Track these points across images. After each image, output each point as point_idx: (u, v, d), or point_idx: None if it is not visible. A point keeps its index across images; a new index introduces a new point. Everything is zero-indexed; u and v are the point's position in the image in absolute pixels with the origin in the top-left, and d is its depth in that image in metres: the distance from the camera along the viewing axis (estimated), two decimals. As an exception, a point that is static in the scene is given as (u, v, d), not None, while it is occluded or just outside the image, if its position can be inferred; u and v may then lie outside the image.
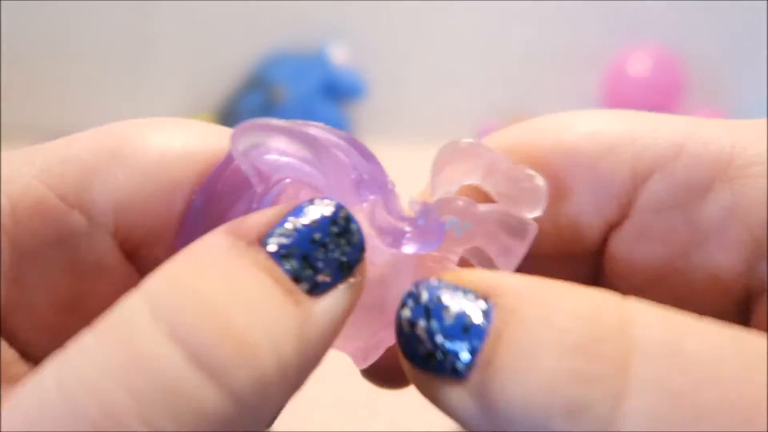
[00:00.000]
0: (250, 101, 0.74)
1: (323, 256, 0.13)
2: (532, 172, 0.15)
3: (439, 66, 0.79)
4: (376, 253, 0.15)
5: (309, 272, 0.12)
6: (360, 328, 0.15)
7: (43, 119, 0.71)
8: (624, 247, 0.16)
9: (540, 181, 0.15)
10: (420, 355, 0.12)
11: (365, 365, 0.16)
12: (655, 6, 0.75)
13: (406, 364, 0.13)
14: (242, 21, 0.78)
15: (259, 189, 0.15)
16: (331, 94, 0.75)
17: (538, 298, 0.12)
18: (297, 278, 0.12)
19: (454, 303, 0.12)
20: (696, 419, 0.10)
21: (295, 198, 0.15)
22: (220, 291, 0.11)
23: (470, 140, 0.16)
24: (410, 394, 0.25)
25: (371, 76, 0.77)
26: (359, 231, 0.13)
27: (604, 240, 0.16)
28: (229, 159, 0.15)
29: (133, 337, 0.11)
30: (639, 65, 0.74)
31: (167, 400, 0.10)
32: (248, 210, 0.14)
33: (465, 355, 0.12)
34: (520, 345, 0.11)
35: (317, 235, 0.13)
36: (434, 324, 0.12)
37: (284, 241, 0.12)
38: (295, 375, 0.12)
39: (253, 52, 0.77)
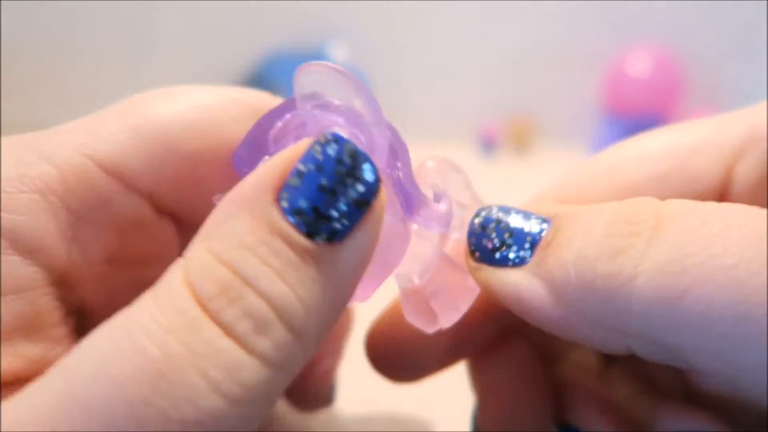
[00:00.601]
0: (250, 101, 0.74)
1: (334, 202, 0.13)
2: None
3: (438, 66, 0.79)
4: (391, 222, 0.15)
5: (323, 223, 0.12)
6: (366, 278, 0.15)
7: (44, 117, 0.71)
8: None
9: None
10: (488, 251, 0.15)
11: (365, 300, 0.16)
12: (655, 6, 0.75)
13: (471, 261, 0.15)
14: (242, 21, 0.78)
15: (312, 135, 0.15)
16: (331, 94, 0.75)
17: (581, 215, 0.14)
18: (312, 232, 0.12)
19: (519, 214, 0.15)
20: (700, 250, 0.12)
21: None
22: (243, 265, 0.12)
23: (434, 161, 0.18)
24: (410, 393, 0.25)
25: (371, 75, 0.77)
26: (369, 162, 0.13)
27: None
28: (272, 114, 0.16)
29: (173, 299, 0.12)
30: (639, 65, 0.74)
31: (209, 355, 0.11)
32: None
33: (527, 246, 0.14)
34: (575, 226, 0.14)
35: (324, 181, 0.13)
36: (503, 225, 0.15)
37: (293, 193, 0.12)
38: (327, 317, 0.13)
39: (253, 52, 0.77)
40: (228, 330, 0.12)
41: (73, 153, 0.15)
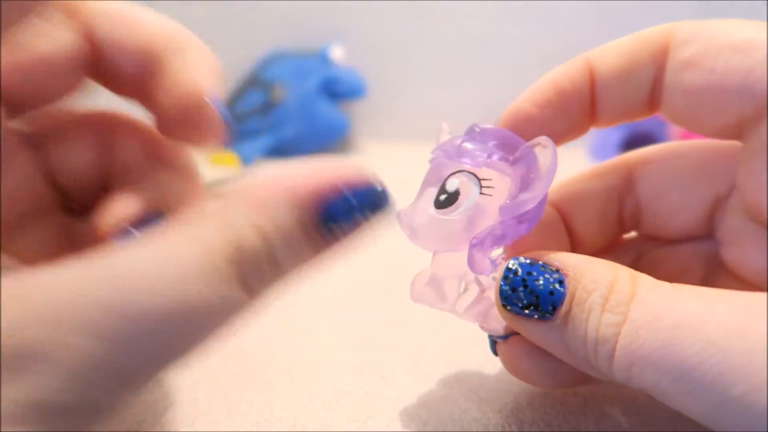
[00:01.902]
0: (249, 101, 0.74)
1: (353, 219, 0.18)
2: None
3: (438, 67, 0.79)
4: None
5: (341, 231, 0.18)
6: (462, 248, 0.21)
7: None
8: (732, 217, 0.24)
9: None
10: (518, 306, 0.19)
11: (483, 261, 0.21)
12: (654, 6, 0.75)
13: (504, 313, 0.20)
14: (242, 21, 0.78)
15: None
16: (331, 94, 0.75)
17: (587, 273, 0.19)
18: (329, 228, 0.17)
19: (541, 276, 0.19)
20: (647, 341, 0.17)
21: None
22: (275, 245, 0.17)
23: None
24: (409, 393, 0.25)
25: (371, 76, 0.77)
26: (390, 207, 0.18)
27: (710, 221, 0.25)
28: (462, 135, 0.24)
29: (213, 258, 0.16)
30: (638, 66, 0.73)
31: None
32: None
33: (550, 309, 0.19)
34: (583, 305, 0.19)
35: (357, 214, 0.18)
36: (529, 289, 0.19)
37: (335, 209, 0.17)
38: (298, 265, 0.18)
39: (253, 52, 0.77)
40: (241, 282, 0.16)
41: None
